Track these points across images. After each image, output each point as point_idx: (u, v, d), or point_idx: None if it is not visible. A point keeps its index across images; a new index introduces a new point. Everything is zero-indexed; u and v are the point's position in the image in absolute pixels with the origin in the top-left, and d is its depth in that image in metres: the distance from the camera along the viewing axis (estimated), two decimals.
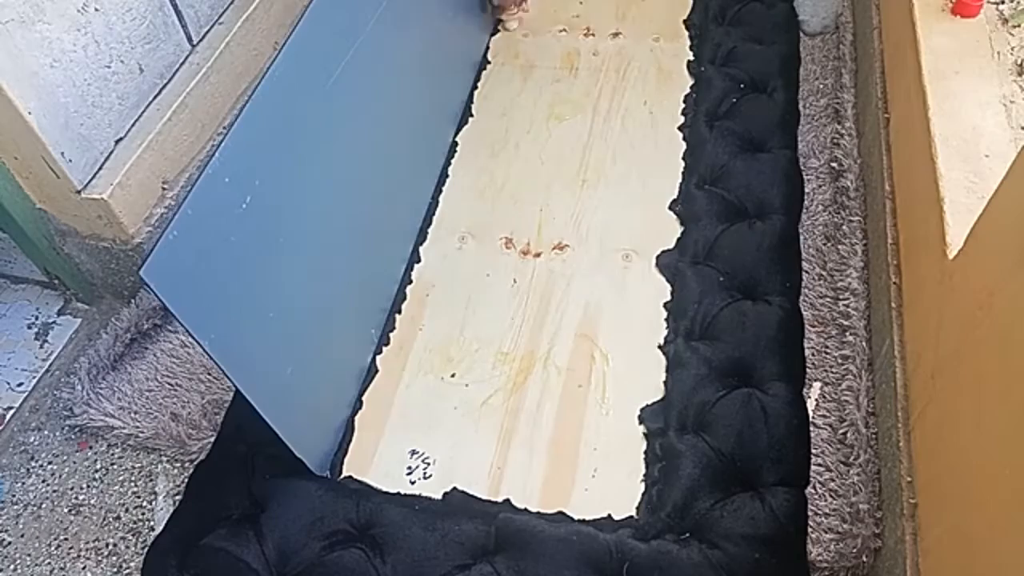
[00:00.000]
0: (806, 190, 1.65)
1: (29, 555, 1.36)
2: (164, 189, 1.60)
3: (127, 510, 1.39)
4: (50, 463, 1.47)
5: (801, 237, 1.57)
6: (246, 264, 1.12)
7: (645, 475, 1.30)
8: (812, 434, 1.31)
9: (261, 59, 1.81)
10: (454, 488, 1.30)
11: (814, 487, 1.26)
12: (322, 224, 1.33)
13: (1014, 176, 0.94)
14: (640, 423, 1.35)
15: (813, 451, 1.29)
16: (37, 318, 1.67)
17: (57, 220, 1.54)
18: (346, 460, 1.36)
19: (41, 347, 1.62)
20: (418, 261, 1.62)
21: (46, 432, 1.51)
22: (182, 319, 0.98)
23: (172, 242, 0.97)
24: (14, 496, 1.43)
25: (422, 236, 1.66)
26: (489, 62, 2.00)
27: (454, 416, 1.40)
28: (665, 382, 1.39)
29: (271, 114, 1.15)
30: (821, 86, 1.87)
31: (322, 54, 1.29)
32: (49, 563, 1.34)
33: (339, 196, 1.39)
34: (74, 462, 1.46)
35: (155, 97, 1.59)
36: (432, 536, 1.22)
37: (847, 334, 1.42)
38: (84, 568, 1.33)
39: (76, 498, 1.42)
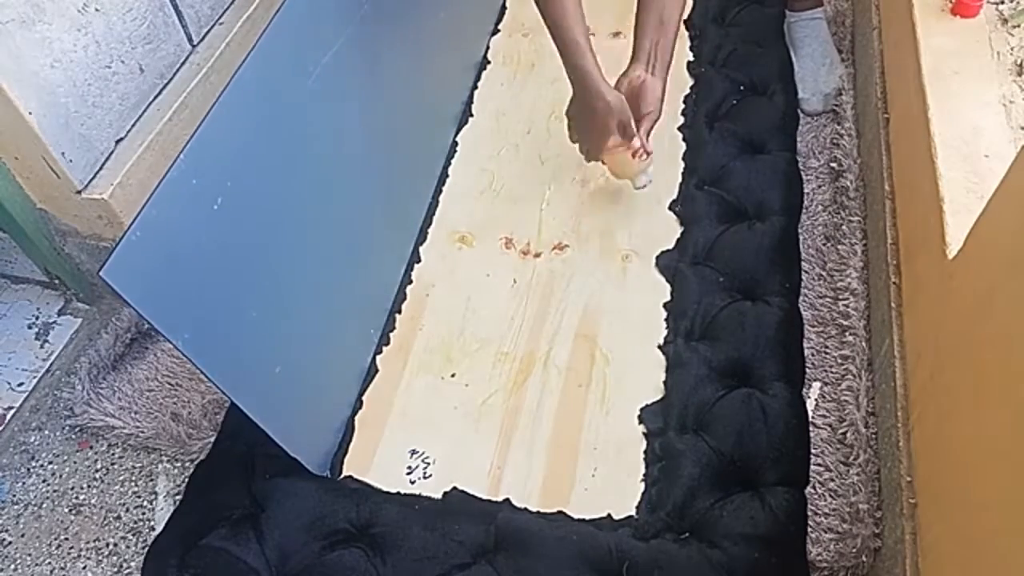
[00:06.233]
0: (806, 190, 1.65)
1: (29, 555, 1.36)
2: None
3: (127, 510, 1.40)
4: (50, 463, 1.47)
5: (801, 237, 1.57)
6: (221, 264, 1.12)
7: (645, 475, 1.30)
8: (812, 434, 1.31)
9: None
10: (454, 488, 1.30)
11: (814, 487, 1.26)
12: (312, 225, 1.32)
13: (1014, 176, 0.94)
14: (640, 423, 1.35)
15: (813, 451, 1.29)
16: (37, 318, 1.67)
17: (58, 220, 1.54)
18: (346, 460, 1.36)
19: (41, 347, 1.62)
20: (418, 261, 1.62)
21: (46, 432, 1.51)
22: (150, 319, 0.98)
23: (135, 243, 0.96)
24: (14, 496, 1.43)
25: (422, 236, 1.66)
26: (489, 62, 2.00)
27: (454, 416, 1.40)
28: (665, 382, 1.39)
29: (243, 114, 1.14)
30: None
31: (299, 51, 1.27)
32: (49, 563, 1.34)
33: (331, 197, 1.38)
34: (74, 462, 1.46)
35: (156, 97, 1.59)
36: (432, 535, 1.22)
37: (847, 334, 1.42)
38: (84, 568, 1.34)
39: (76, 498, 1.42)
